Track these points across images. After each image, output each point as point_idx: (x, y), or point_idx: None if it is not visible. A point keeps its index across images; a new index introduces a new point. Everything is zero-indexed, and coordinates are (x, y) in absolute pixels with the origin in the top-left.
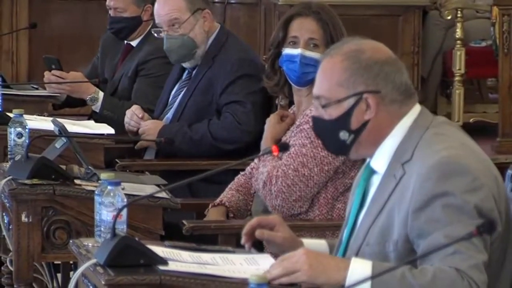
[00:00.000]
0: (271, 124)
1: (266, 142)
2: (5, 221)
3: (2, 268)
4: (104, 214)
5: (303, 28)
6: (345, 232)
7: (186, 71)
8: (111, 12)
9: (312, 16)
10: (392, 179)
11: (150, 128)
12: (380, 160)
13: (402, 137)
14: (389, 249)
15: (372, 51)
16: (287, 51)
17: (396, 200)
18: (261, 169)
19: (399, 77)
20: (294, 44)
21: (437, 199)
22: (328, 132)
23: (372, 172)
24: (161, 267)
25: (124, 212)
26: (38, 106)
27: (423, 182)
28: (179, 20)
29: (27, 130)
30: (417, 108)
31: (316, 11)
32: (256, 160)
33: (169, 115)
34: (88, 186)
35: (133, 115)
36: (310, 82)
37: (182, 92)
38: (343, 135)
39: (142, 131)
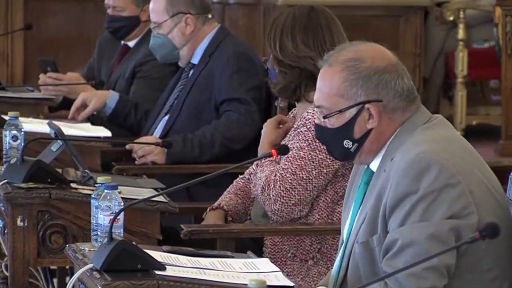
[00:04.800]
0: (267, 129)
1: (263, 147)
2: (0, 225)
3: None
4: (101, 218)
5: None
6: (345, 233)
7: (184, 72)
8: (109, 11)
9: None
10: (382, 173)
11: (158, 151)
12: (377, 160)
13: (395, 134)
14: (373, 244)
15: (371, 59)
16: None
17: (381, 193)
18: (259, 174)
19: (400, 83)
20: None
21: (408, 196)
22: (332, 140)
23: (371, 174)
24: (159, 272)
25: (121, 216)
26: (33, 108)
27: (400, 177)
28: (157, 21)
29: (22, 133)
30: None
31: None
32: (253, 166)
33: (167, 116)
34: (85, 189)
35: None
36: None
37: (180, 92)
38: (347, 143)
39: (148, 150)
